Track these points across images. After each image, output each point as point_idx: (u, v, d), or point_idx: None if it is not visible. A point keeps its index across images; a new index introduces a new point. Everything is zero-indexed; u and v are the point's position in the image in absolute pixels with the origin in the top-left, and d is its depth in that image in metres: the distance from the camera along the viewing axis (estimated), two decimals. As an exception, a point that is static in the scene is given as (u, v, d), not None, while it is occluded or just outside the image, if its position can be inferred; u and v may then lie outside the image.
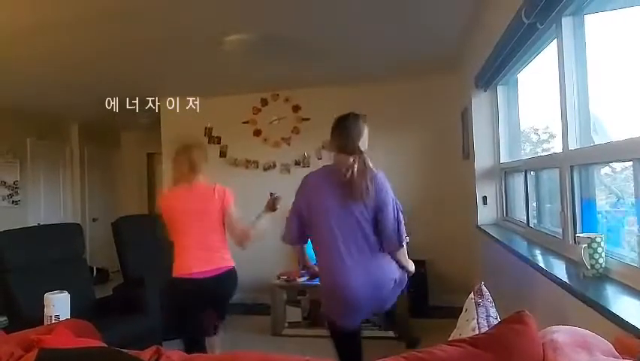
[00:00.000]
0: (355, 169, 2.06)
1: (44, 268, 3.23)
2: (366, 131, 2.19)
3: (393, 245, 2.10)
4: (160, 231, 2.63)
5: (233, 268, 2.58)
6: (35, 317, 2.49)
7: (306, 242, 2.32)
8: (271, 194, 2.62)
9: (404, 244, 2.13)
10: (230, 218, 2.57)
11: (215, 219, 2.57)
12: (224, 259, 2.57)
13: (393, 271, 2.14)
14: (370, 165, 2.11)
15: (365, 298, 2.09)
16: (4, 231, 3.25)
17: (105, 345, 1.45)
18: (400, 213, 2.12)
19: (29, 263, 3.19)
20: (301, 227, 2.22)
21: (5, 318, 3.27)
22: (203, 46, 3.44)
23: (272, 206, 2.61)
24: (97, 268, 5.98)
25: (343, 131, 2.18)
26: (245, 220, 2.62)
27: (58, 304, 2.36)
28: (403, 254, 2.17)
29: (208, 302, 2.57)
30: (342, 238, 2.08)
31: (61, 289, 2.47)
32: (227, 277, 2.55)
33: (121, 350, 1.16)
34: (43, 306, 2.39)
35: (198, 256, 2.51)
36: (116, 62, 3.81)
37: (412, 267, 2.26)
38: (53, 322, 2.22)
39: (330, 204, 2.11)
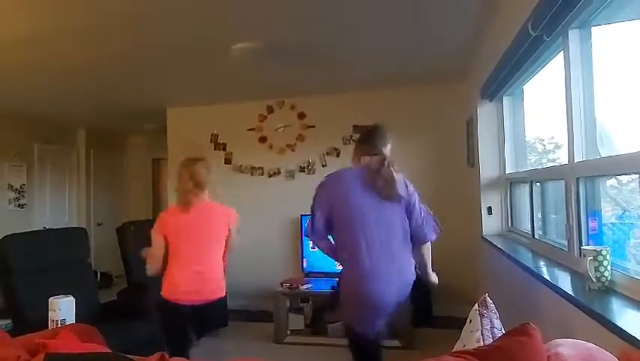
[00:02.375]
0: (387, 169, 2.09)
1: (49, 272, 3.24)
2: (389, 146, 2.27)
3: (422, 238, 2.19)
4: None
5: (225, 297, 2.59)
6: (40, 320, 2.50)
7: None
8: None
9: (433, 237, 2.21)
10: (231, 242, 2.59)
11: (217, 239, 2.55)
12: (220, 287, 2.56)
13: (413, 272, 2.20)
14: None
15: (392, 300, 2.11)
16: (11, 234, 3.27)
17: (110, 351, 1.46)
18: (424, 208, 2.20)
19: (34, 266, 3.20)
20: (327, 223, 2.17)
21: (9, 321, 3.28)
22: (210, 53, 3.47)
23: None
24: (101, 273, 6.00)
25: (370, 141, 2.24)
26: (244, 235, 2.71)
27: (63, 308, 2.37)
28: (428, 249, 2.25)
29: (195, 326, 2.57)
30: (378, 240, 2.07)
31: (66, 293, 2.48)
32: (217, 306, 2.56)
33: (126, 355, 1.17)
34: (47, 310, 2.40)
35: (190, 280, 2.46)
36: (123, 69, 3.85)
37: (433, 277, 2.32)
38: (58, 326, 2.24)
39: (365, 205, 2.08)
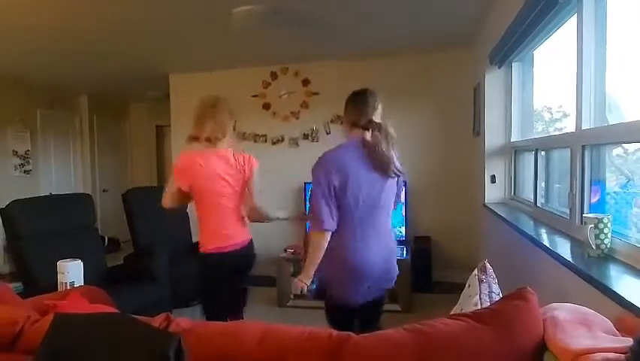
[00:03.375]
0: (387, 146, 2.02)
1: (57, 237, 3.30)
2: (380, 107, 2.11)
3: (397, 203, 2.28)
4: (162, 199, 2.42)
5: (252, 245, 2.52)
6: (49, 283, 2.57)
7: None
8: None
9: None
10: (251, 188, 2.43)
11: (237, 187, 2.40)
12: (245, 231, 2.48)
13: (394, 241, 2.25)
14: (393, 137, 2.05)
15: (382, 276, 2.13)
16: (18, 200, 3.31)
17: (118, 311, 1.50)
18: None
19: (42, 232, 3.26)
20: (337, 210, 2.02)
21: (20, 284, 3.38)
22: (213, 18, 3.39)
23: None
24: (108, 238, 6.11)
25: (358, 105, 2.09)
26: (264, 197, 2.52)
27: (71, 272, 2.43)
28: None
29: (233, 277, 2.46)
30: (372, 218, 2.03)
31: (74, 257, 2.54)
32: (250, 250, 2.50)
33: (134, 316, 1.20)
34: (56, 273, 2.46)
35: (225, 229, 2.39)
36: (124, 34, 3.78)
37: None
38: (67, 288, 2.30)
39: (366, 181, 2.00)
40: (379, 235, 2.08)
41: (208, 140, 2.38)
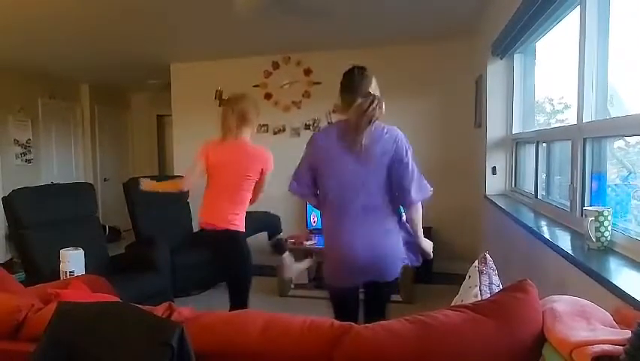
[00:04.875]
0: (365, 124, 1.88)
1: (59, 226, 3.32)
2: (374, 82, 2.05)
3: (404, 199, 1.98)
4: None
5: (237, 231, 2.56)
6: (51, 272, 2.59)
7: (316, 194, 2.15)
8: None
9: (417, 200, 1.99)
10: (262, 184, 2.62)
11: (247, 179, 2.56)
12: (231, 221, 2.57)
13: (399, 248, 2.04)
14: (382, 110, 1.92)
15: (365, 262, 1.98)
16: (20, 188, 3.32)
17: (121, 300, 1.51)
18: (416, 168, 1.99)
19: (44, 221, 3.27)
20: (313, 180, 2.07)
21: (22, 272, 3.40)
22: (214, 6, 3.36)
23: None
24: (109, 227, 6.13)
25: (350, 84, 2.03)
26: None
27: (73, 260, 2.45)
28: (416, 211, 2.03)
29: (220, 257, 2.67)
30: (351, 201, 1.96)
31: (76, 246, 2.55)
32: (228, 237, 2.56)
33: (136, 305, 1.21)
34: (58, 262, 2.47)
35: (215, 209, 2.57)
36: (125, 23, 3.75)
37: (425, 243, 2.13)
38: (68, 277, 2.31)
39: (342, 160, 1.95)
40: (358, 221, 1.96)
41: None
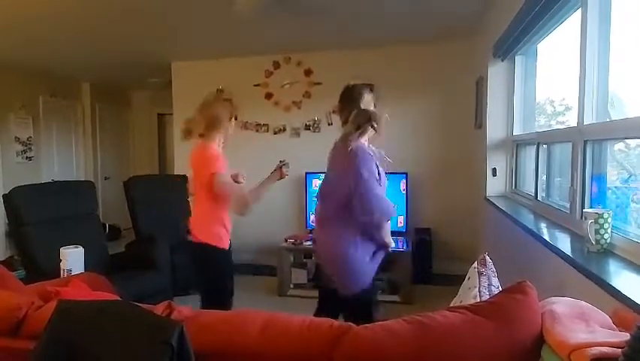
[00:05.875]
0: (338, 143, 2.20)
1: (59, 224, 3.32)
2: (366, 99, 2.15)
3: (362, 218, 2.07)
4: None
5: (202, 243, 2.31)
6: (51, 270, 2.59)
7: None
8: (281, 161, 2.48)
9: (375, 219, 2.07)
10: (216, 186, 2.27)
11: (200, 184, 2.32)
12: (197, 231, 2.35)
13: (342, 246, 2.09)
14: (354, 136, 2.07)
15: (326, 269, 2.28)
16: (21, 186, 3.32)
17: (121, 299, 1.52)
18: (373, 189, 2.04)
19: (44, 218, 3.27)
20: None
21: (22, 270, 3.40)
22: (215, 5, 3.36)
23: (281, 174, 2.46)
24: (109, 225, 6.13)
25: (340, 103, 2.28)
26: (247, 187, 2.45)
27: (73, 259, 2.45)
28: (377, 229, 2.12)
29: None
30: (321, 205, 2.29)
31: (76, 244, 2.55)
32: (193, 250, 2.36)
33: (135, 303, 1.22)
34: (58, 260, 2.48)
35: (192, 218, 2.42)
36: (126, 21, 3.75)
37: (388, 240, 2.18)
38: (68, 275, 2.32)
39: (327, 172, 2.31)
40: (321, 229, 2.27)
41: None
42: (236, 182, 2.54)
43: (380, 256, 2.19)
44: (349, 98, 2.18)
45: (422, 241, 4.27)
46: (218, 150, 2.38)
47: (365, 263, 2.10)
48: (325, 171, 2.35)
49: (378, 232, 2.13)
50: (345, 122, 2.18)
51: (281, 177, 2.47)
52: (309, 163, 4.33)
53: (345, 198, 2.06)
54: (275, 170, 2.48)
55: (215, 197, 2.30)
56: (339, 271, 2.13)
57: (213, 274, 2.36)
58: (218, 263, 2.35)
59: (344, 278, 2.12)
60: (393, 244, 2.26)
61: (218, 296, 2.34)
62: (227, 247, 2.39)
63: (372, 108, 2.16)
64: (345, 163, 2.08)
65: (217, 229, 2.34)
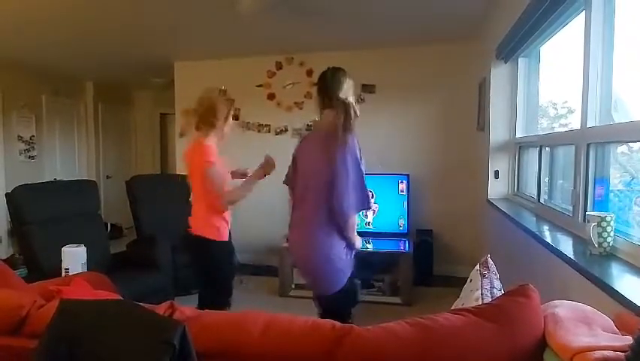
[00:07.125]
0: (335, 123, 2.01)
1: (61, 223, 3.32)
2: (347, 84, 2.13)
3: (337, 217, 1.98)
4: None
5: (200, 236, 2.35)
6: (53, 268, 2.59)
7: None
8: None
9: (349, 218, 1.99)
10: (205, 182, 2.31)
11: (197, 177, 2.36)
12: (196, 224, 2.40)
13: (336, 257, 2.03)
14: (352, 117, 1.99)
15: (303, 268, 2.17)
16: (23, 185, 3.33)
17: (122, 298, 1.52)
18: (357, 184, 1.97)
19: (47, 217, 3.28)
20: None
21: (24, 268, 3.41)
22: (218, 5, 3.37)
23: (264, 171, 2.46)
24: (111, 224, 6.14)
25: (319, 85, 2.19)
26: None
27: (75, 258, 2.45)
28: (349, 228, 2.02)
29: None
30: (301, 201, 2.11)
31: (78, 243, 2.56)
32: (191, 243, 2.39)
33: (138, 303, 1.22)
34: (60, 259, 2.48)
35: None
36: (129, 21, 3.76)
37: (357, 242, 2.09)
38: (70, 274, 2.32)
39: (303, 164, 2.15)
40: (303, 223, 2.11)
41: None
42: (243, 175, 2.62)
43: (352, 252, 2.11)
44: (330, 85, 2.13)
45: (424, 243, 4.27)
46: (213, 145, 2.39)
47: (344, 261, 2.05)
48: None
49: (346, 228, 2.02)
50: (323, 109, 2.12)
51: (265, 174, 2.49)
52: (311, 164, 4.32)
53: (327, 191, 1.95)
54: (258, 168, 2.51)
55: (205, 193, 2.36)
56: (320, 272, 2.07)
57: (211, 266, 2.40)
58: (216, 254, 2.37)
59: (324, 278, 2.06)
60: (360, 245, 2.14)
61: (216, 288, 2.40)
62: (226, 239, 2.43)
63: (351, 96, 2.12)
64: (337, 153, 1.96)
65: (215, 221, 2.37)
